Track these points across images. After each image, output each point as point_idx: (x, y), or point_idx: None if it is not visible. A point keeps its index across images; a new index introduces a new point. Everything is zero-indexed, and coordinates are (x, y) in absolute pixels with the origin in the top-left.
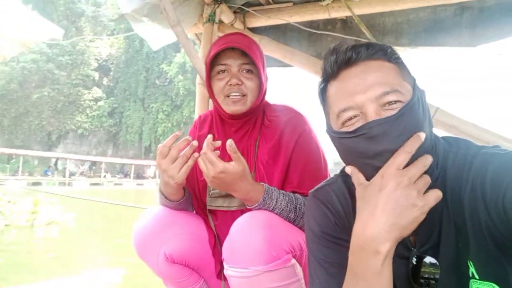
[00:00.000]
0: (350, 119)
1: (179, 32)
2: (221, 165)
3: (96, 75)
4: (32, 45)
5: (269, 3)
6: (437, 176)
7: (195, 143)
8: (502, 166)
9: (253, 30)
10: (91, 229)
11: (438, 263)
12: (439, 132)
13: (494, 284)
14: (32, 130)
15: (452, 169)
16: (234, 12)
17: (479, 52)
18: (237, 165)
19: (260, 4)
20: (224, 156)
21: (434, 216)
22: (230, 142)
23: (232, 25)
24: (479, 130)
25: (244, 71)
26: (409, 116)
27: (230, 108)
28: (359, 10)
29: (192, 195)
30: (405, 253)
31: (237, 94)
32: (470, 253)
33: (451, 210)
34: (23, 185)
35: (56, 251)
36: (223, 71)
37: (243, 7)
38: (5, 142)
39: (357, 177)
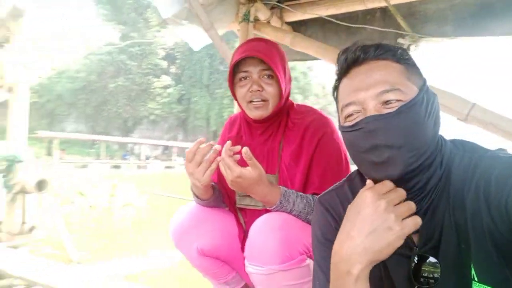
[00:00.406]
0: (352, 114)
1: (212, 35)
2: (237, 170)
3: (164, 63)
4: (94, 48)
5: None
6: (441, 175)
7: (217, 147)
8: (506, 169)
9: (291, 24)
10: (163, 209)
11: (438, 263)
12: (476, 129)
13: None
14: (111, 118)
15: (457, 171)
16: (271, 8)
17: None
18: (253, 170)
19: None
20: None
21: (437, 216)
22: (245, 150)
23: (268, 22)
24: None
25: (265, 77)
26: (407, 115)
27: (252, 113)
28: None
29: (224, 193)
30: (407, 252)
31: (259, 100)
32: (471, 255)
33: (454, 211)
34: (105, 168)
35: (130, 231)
36: (245, 78)
37: (278, 4)
38: (89, 128)
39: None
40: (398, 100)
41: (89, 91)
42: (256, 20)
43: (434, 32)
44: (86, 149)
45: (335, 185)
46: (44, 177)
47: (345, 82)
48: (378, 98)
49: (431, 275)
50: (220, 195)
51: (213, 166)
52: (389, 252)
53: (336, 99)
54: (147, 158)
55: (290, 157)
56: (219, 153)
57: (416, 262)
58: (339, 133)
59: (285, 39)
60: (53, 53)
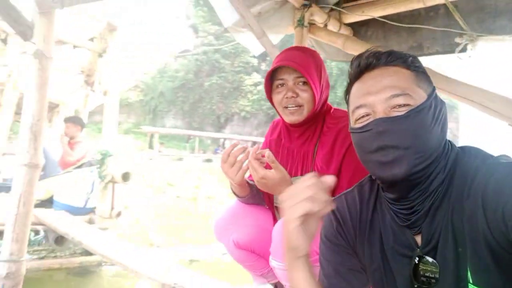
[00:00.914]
0: (362, 116)
1: (264, 42)
2: (261, 172)
3: (255, 61)
4: (174, 55)
5: None
6: (444, 179)
7: (249, 150)
8: (505, 176)
9: (351, 25)
10: None
11: (437, 264)
12: None
13: None
14: (205, 114)
15: (459, 175)
16: (330, 11)
17: None
18: (276, 172)
19: (353, 0)
20: (288, 157)
21: (437, 218)
22: (268, 154)
23: (325, 25)
24: None
25: (300, 83)
26: (415, 119)
27: (288, 118)
28: None
29: (264, 193)
30: (409, 253)
31: (294, 105)
32: (467, 258)
33: (453, 213)
34: (198, 162)
35: (207, 222)
36: (281, 85)
37: (334, 7)
38: (185, 124)
39: None
40: (406, 105)
41: (187, 89)
42: (312, 24)
43: (503, 30)
44: (182, 143)
45: (348, 189)
46: (128, 170)
47: (357, 86)
48: (387, 102)
49: (432, 275)
50: (258, 193)
51: (244, 167)
52: (298, 241)
53: (347, 102)
54: None
55: (322, 161)
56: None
57: (417, 262)
58: None
59: (337, 42)
60: (155, 53)
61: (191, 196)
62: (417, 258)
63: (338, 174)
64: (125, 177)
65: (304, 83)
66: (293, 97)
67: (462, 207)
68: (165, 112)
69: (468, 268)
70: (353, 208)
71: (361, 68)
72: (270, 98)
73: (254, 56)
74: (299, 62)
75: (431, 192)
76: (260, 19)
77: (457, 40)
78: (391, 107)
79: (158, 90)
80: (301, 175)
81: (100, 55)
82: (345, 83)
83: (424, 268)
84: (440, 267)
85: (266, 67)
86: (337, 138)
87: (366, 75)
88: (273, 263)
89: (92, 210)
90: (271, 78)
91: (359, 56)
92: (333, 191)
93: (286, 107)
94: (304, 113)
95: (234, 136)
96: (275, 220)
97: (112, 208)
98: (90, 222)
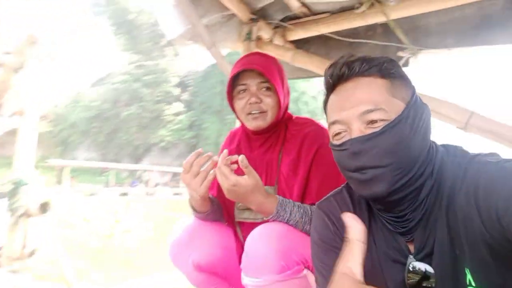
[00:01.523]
0: (339, 133)
1: (214, 53)
2: (233, 179)
3: (177, 91)
4: (103, 74)
5: (307, 15)
6: (432, 185)
7: (215, 158)
8: (494, 174)
9: (294, 42)
10: (166, 238)
11: (433, 271)
12: (475, 138)
13: None
14: (122, 145)
15: (448, 177)
16: (274, 27)
17: None
18: (249, 178)
19: (298, 17)
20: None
21: (430, 224)
22: (241, 158)
23: (271, 40)
24: None
25: (263, 89)
26: (391, 134)
27: (251, 124)
28: (397, 14)
29: (223, 207)
30: (402, 259)
31: (257, 111)
32: (466, 261)
33: (447, 217)
34: (114, 196)
35: (132, 256)
36: (244, 91)
37: (281, 23)
38: (100, 156)
39: None
40: (382, 120)
41: (103, 119)
42: (259, 38)
43: (437, 45)
44: (96, 177)
45: (333, 191)
46: (47, 198)
47: (332, 98)
48: (361, 118)
49: (429, 285)
50: (219, 208)
51: (210, 177)
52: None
53: (326, 114)
54: (156, 185)
55: (288, 168)
56: (215, 165)
57: (411, 270)
58: None
59: (286, 56)
60: (68, 81)
61: (109, 232)
62: (411, 266)
63: (306, 181)
64: (44, 208)
65: (268, 88)
66: (256, 102)
67: (455, 210)
68: (77, 143)
69: (468, 271)
70: (345, 208)
71: (333, 79)
72: (231, 105)
73: (176, 86)
74: (263, 66)
75: (422, 200)
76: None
77: (399, 53)
78: (366, 123)
79: (70, 120)
80: (266, 184)
81: (16, 71)
82: None
83: (417, 278)
84: (438, 273)
85: (187, 96)
86: (303, 144)
87: (340, 86)
88: (246, 280)
89: None
90: (233, 84)
91: (332, 65)
92: (302, 197)
93: (249, 113)
94: (268, 119)
95: (152, 167)
96: (236, 237)
97: (24, 247)
98: None
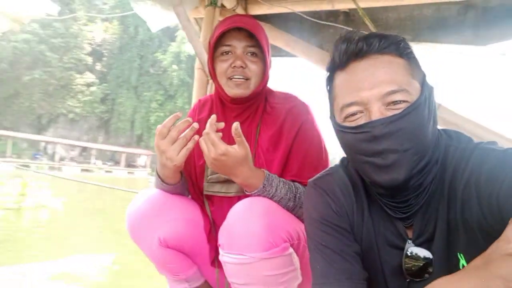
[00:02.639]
0: (353, 114)
1: (180, 12)
2: (223, 147)
3: (89, 59)
4: (25, 20)
5: None
6: (436, 172)
7: (196, 125)
8: (497, 163)
9: (255, 17)
10: (80, 213)
11: (432, 257)
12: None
13: None
14: (22, 112)
15: (451, 164)
16: None
17: (482, 52)
18: (239, 148)
19: None
20: (225, 140)
21: (430, 210)
22: (236, 125)
23: (234, 10)
24: (481, 128)
25: (249, 54)
26: (413, 117)
27: (232, 91)
28: (363, 3)
29: (188, 180)
30: (400, 244)
31: (240, 77)
32: (459, 246)
33: (447, 202)
34: (11, 168)
35: (44, 234)
36: (227, 53)
37: None
38: None
39: None
40: (404, 101)
41: None
42: (223, 6)
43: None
44: None
45: (327, 170)
46: None
47: (343, 76)
48: (383, 99)
49: (426, 269)
50: (186, 181)
51: (190, 145)
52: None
53: (329, 92)
54: (62, 159)
55: (268, 142)
56: (197, 132)
57: (409, 255)
58: (318, 121)
59: None
60: None
61: (13, 206)
62: (410, 251)
63: (287, 157)
64: None
65: (253, 54)
66: (241, 67)
67: (456, 197)
68: None
69: (461, 256)
70: (344, 187)
71: (349, 55)
72: (211, 67)
73: (88, 54)
74: (254, 28)
75: (425, 187)
76: None
77: None
78: (386, 104)
79: None
80: None
81: None
82: (186, 94)
83: (416, 263)
84: (435, 258)
85: (101, 67)
86: (286, 118)
87: (355, 64)
88: (226, 257)
89: None
90: (215, 45)
91: (346, 39)
92: (282, 174)
93: (231, 78)
94: (251, 87)
95: (58, 140)
96: (203, 212)
97: None
98: None
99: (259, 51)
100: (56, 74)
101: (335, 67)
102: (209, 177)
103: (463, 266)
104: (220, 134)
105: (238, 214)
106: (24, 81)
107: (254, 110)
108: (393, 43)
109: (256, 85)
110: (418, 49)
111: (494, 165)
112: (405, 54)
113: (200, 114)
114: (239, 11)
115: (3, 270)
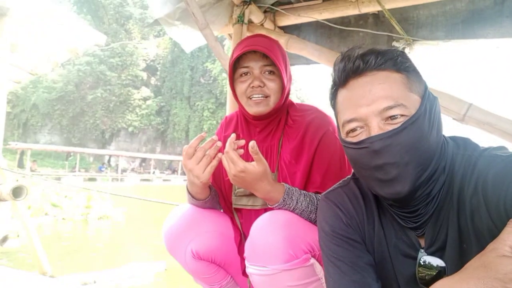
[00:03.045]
0: (354, 130)
1: (207, 35)
2: (241, 164)
3: (144, 75)
4: (80, 51)
5: (298, 1)
6: (444, 180)
7: (219, 143)
8: (503, 169)
9: (284, 28)
10: (139, 223)
11: (445, 265)
12: (473, 130)
13: None
14: (88, 129)
15: (458, 172)
16: (265, 12)
17: None
18: (258, 165)
19: (290, 3)
20: (248, 156)
21: (441, 218)
22: (252, 144)
23: (262, 24)
24: None
25: (266, 72)
26: (412, 130)
27: (253, 109)
28: (391, 4)
29: (219, 194)
30: (412, 253)
31: (259, 95)
32: (473, 254)
33: (457, 211)
34: (79, 181)
35: (106, 243)
36: (246, 74)
37: (272, 7)
38: (63, 140)
39: None
40: (402, 115)
41: (66, 102)
42: (250, 22)
43: (427, 37)
44: (60, 161)
45: (339, 183)
46: (21, 183)
47: (343, 93)
48: (381, 114)
49: (438, 277)
50: (216, 195)
51: (214, 162)
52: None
53: (333, 107)
54: (124, 170)
55: (290, 155)
56: (220, 150)
57: (422, 264)
58: None
59: (280, 41)
60: (32, 59)
61: (80, 218)
62: (422, 260)
63: (310, 168)
64: (17, 192)
65: (271, 72)
66: (260, 86)
67: (464, 205)
68: (38, 126)
69: None
70: (354, 199)
71: (347, 73)
72: (232, 88)
73: (143, 70)
74: (268, 48)
75: (434, 196)
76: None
77: (394, 44)
78: (384, 119)
79: (30, 101)
80: None
81: None
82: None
83: (429, 272)
84: (448, 267)
85: (156, 81)
86: (307, 130)
87: (354, 81)
88: (251, 269)
89: None
90: (234, 67)
91: (344, 57)
92: (305, 186)
93: (251, 98)
94: (271, 104)
95: (120, 153)
96: (234, 224)
97: None
98: None
99: (276, 68)
100: (116, 91)
101: (337, 84)
102: (236, 191)
103: None
104: (242, 151)
105: (259, 227)
106: (88, 100)
107: (276, 124)
108: (390, 58)
109: (276, 101)
110: (451, 46)
111: (499, 172)
112: (403, 68)
113: (226, 132)
114: (268, 24)
115: (74, 277)
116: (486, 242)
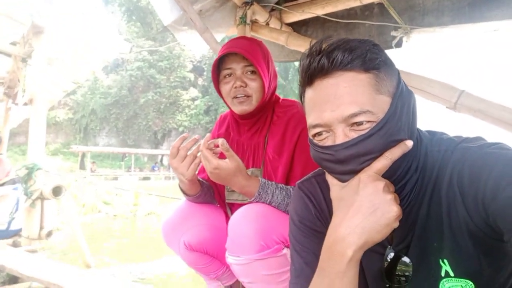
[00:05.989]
0: (320, 134)
1: (207, 38)
2: (215, 162)
3: (192, 76)
4: (110, 59)
5: None
6: (417, 179)
7: (201, 142)
8: (478, 161)
9: (291, 25)
10: None
11: (410, 262)
12: (464, 117)
13: (468, 281)
14: (141, 131)
15: (432, 169)
16: (271, 10)
17: None
18: (230, 162)
19: None
20: (239, 151)
21: (412, 216)
22: (221, 141)
23: (267, 23)
24: (506, 111)
25: (248, 72)
26: (379, 136)
27: (237, 108)
28: None
29: (214, 190)
30: (380, 250)
31: (242, 95)
32: (444, 252)
33: (429, 209)
34: (134, 180)
35: (150, 239)
36: (229, 75)
37: (276, 5)
38: (119, 142)
39: (332, 177)
40: (368, 121)
41: (121, 106)
42: (254, 22)
43: (433, 23)
44: (117, 162)
45: (314, 172)
46: (60, 183)
47: (310, 93)
48: (346, 121)
49: (403, 274)
50: (209, 191)
51: (197, 160)
52: (387, 232)
53: (303, 105)
54: None
55: (273, 150)
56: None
57: (389, 260)
58: None
59: (280, 39)
60: (77, 68)
61: (129, 215)
62: (389, 256)
63: (291, 162)
64: (56, 191)
65: (253, 72)
66: (242, 86)
67: (439, 200)
68: (97, 130)
69: (446, 262)
70: (326, 190)
71: (311, 72)
72: (218, 90)
73: (191, 71)
74: (247, 50)
75: (405, 195)
76: (200, 17)
77: (393, 33)
78: (350, 125)
79: (89, 107)
80: (252, 167)
81: (24, 61)
82: (280, 95)
83: (397, 267)
84: (414, 264)
85: (203, 81)
86: (288, 126)
87: (319, 81)
88: (230, 259)
89: (17, 233)
90: (218, 69)
91: (309, 55)
92: (287, 179)
93: (235, 97)
94: (254, 103)
95: None
96: (227, 218)
97: (42, 228)
98: (15, 245)
99: (257, 68)
100: (165, 93)
101: (303, 83)
102: (228, 186)
103: (446, 272)
104: (219, 149)
105: (236, 220)
106: (140, 103)
107: (262, 122)
108: (358, 56)
109: (259, 100)
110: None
111: (474, 165)
112: (372, 66)
113: (219, 130)
114: (273, 22)
115: (126, 267)
116: (463, 238)
